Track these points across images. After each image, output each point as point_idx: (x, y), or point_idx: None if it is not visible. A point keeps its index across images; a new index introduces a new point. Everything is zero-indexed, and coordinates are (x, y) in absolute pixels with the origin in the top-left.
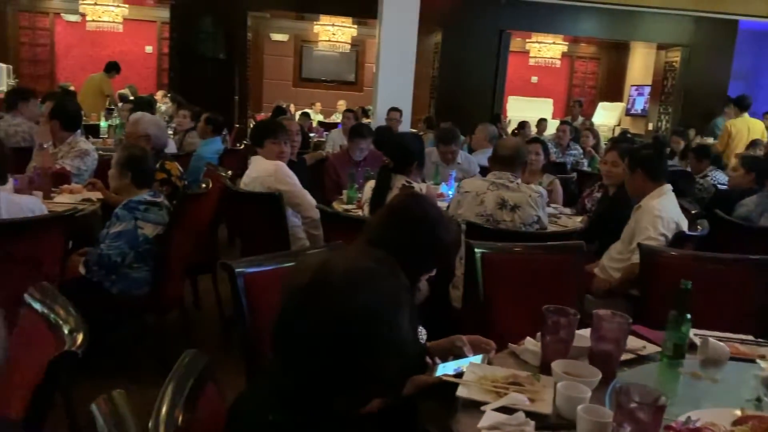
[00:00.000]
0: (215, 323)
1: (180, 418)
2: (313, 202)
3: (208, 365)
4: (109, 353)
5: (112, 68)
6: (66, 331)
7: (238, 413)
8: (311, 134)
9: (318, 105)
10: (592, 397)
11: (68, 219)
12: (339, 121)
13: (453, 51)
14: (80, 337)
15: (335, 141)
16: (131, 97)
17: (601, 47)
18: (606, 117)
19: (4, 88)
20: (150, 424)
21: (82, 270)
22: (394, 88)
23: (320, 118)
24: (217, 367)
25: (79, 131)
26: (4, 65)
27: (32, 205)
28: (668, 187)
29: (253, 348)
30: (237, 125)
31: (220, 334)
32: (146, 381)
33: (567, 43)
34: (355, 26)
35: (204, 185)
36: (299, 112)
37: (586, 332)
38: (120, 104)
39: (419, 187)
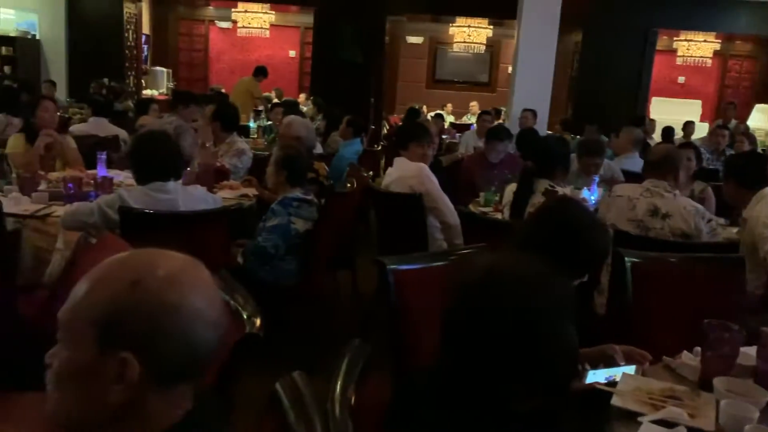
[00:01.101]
0: (352, 316)
1: (353, 400)
2: (452, 207)
3: (372, 354)
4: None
5: (260, 72)
6: (245, 316)
7: (398, 410)
8: (443, 136)
9: (449, 106)
10: (759, 418)
11: (235, 212)
12: (471, 122)
13: (594, 50)
14: (258, 321)
15: (468, 143)
16: (275, 100)
17: (759, 45)
18: (762, 120)
19: (165, 91)
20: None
21: (240, 259)
22: (532, 89)
23: (452, 119)
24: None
25: (236, 132)
26: (165, 69)
27: (205, 196)
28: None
29: (403, 343)
30: (372, 127)
31: (357, 327)
32: (292, 368)
33: (719, 41)
34: (491, 27)
35: (349, 185)
36: (431, 114)
37: (748, 350)
38: (269, 106)
39: (563, 191)
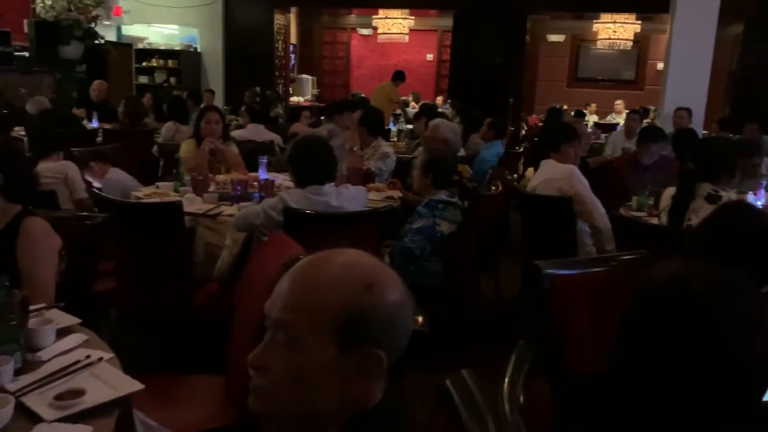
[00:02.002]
0: (494, 319)
1: (521, 399)
2: (603, 210)
3: (537, 355)
4: None
5: (399, 77)
6: None
7: (568, 418)
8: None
9: (593, 105)
10: None
11: (387, 213)
12: (617, 122)
13: (759, 43)
14: (420, 318)
15: (615, 143)
16: (412, 103)
17: None
18: None
19: (310, 97)
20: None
21: (386, 260)
22: (686, 87)
23: (595, 119)
24: (495, 363)
25: (380, 136)
26: (309, 77)
27: (356, 194)
28: None
29: (559, 349)
30: (511, 128)
31: (498, 330)
32: (439, 367)
33: None
34: (639, 22)
35: (493, 187)
36: (572, 112)
37: None
38: (407, 109)
39: (727, 195)
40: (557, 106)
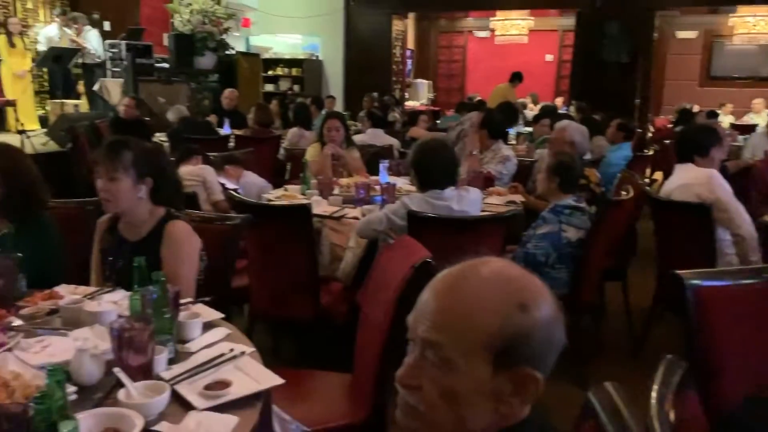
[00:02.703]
0: (622, 330)
1: (671, 415)
2: (747, 217)
3: (687, 371)
4: None
5: (516, 78)
6: None
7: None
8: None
9: (729, 105)
10: None
11: (509, 219)
12: (755, 122)
13: None
14: None
15: (756, 145)
16: (530, 105)
17: None
18: None
19: (425, 101)
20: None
21: None
22: None
23: (731, 119)
24: (625, 376)
25: (501, 139)
26: (425, 81)
27: (477, 196)
28: None
29: (707, 365)
30: (638, 130)
31: (626, 342)
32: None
33: None
34: None
35: (624, 192)
36: (703, 112)
37: None
38: (526, 111)
39: None
40: (688, 107)
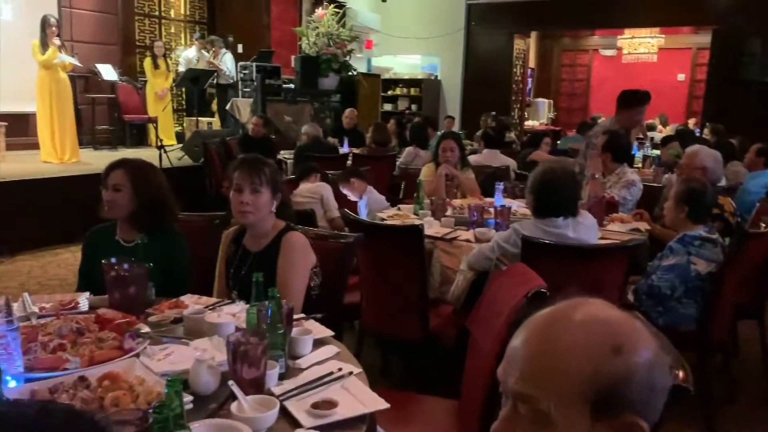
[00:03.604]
0: (756, 374)
1: None
2: None
3: None
4: None
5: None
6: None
7: None
8: None
9: None
10: None
11: (632, 248)
12: None
13: None
14: (681, 372)
15: None
16: (659, 127)
17: None
18: None
19: (545, 121)
20: None
21: (630, 297)
22: None
23: None
24: (760, 424)
25: (626, 162)
26: (546, 100)
27: (593, 223)
28: None
29: None
30: None
31: (762, 387)
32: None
33: None
34: None
35: (764, 224)
36: None
37: None
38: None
39: None
40: None
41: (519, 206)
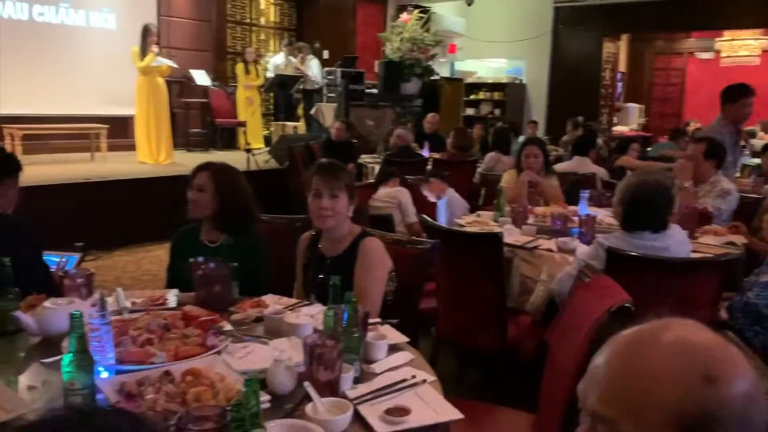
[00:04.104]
0: None
1: None
2: None
3: None
4: None
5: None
6: None
7: None
8: None
9: None
10: None
11: (726, 263)
12: None
13: None
14: None
15: None
16: (760, 133)
17: None
18: None
19: (636, 127)
20: None
21: (723, 315)
22: None
23: None
24: None
25: (720, 170)
26: (636, 105)
27: (683, 237)
28: None
29: None
30: None
31: None
32: None
33: None
34: None
35: None
36: None
37: None
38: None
39: None
40: None
41: (605, 215)
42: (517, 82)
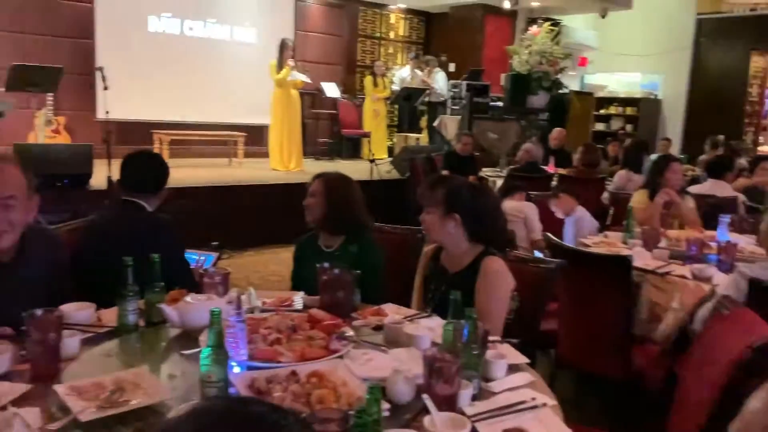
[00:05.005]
0: None
1: None
2: None
3: None
4: None
5: None
6: None
7: None
8: None
9: None
10: None
11: None
12: None
13: None
14: None
15: None
16: None
17: None
18: None
19: None
20: None
21: None
22: None
23: None
24: None
25: None
26: None
27: None
28: None
29: None
30: None
31: None
32: None
33: None
34: None
35: None
36: None
37: None
38: None
39: None
40: None
41: (747, 243)
42: (652, 97)
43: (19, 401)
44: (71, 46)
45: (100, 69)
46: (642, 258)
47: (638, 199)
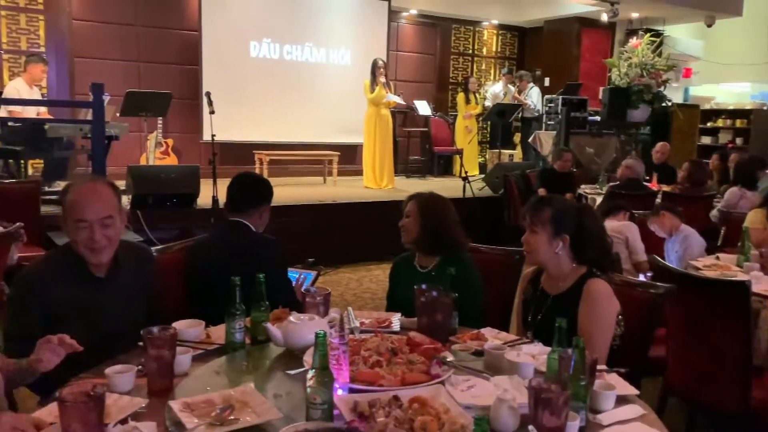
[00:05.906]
0: None
1: None
2: None
3: None
4: None
5: None
6: None
7: None
8: None
9: None
10: None
11: None
12: None
13: None
14: None
15: None
16: None
17: None
18: None
19: None
20: None
21: None
22: None
23: None
24: None
25: None
26: None
27: None
28: None
29: None
30: None
31: None
32: None
33: None
34: None
35: None
36: None
37: None
38: None
39: None
40: None
41: None
42: (765, 108)
43: (138, 415)
44: (179, 72)
45: (208, 94)
46: (760, 283)
47: (755, 218)
